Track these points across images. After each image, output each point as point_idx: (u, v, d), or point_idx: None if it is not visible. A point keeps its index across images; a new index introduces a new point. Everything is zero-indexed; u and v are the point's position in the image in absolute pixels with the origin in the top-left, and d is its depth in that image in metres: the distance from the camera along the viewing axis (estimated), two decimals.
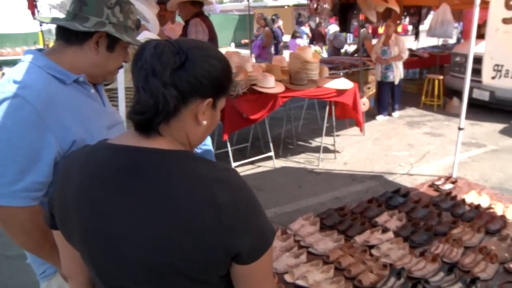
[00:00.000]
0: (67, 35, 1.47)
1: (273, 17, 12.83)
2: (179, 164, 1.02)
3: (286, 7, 23.62)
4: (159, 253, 0.97)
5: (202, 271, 1.01)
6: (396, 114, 8.73)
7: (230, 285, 1.10)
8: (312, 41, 15.09)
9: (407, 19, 13.78)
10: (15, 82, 1.35)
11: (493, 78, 4.38)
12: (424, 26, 13.78)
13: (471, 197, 4.60)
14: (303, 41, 13.38)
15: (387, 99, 8.40)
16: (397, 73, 8.13)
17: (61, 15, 1.54)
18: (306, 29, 15.29)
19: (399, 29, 15.95)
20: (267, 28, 10.00)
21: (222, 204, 0.97)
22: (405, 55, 8.06)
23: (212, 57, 1.06)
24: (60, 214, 1.11)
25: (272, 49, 11.04)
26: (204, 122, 1.09)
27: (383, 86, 8.29)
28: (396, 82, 8.17)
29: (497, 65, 4.31)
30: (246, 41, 13.35)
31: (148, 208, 0.97)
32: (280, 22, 13.20)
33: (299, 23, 12.10)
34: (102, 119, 1.55)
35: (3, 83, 1.36)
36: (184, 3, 4.55)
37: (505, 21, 4.17)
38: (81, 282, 1.25)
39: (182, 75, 1.00)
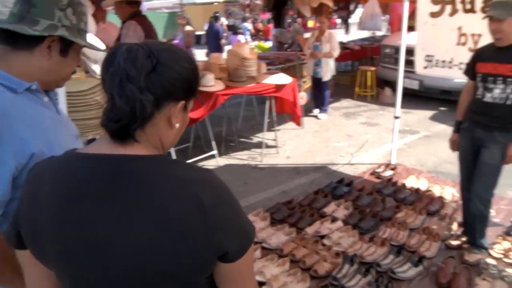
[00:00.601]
0: (13, 39, 1.32)
1: (216, 14, 12.77)
2: (159, 169, 0.99)
3: (216, 3, 23.54)
4: (148, 260, 0.94)
5: (191, 272, 0.99)
6: (323, 116, 8.07)
7: (213, 285, 1.09)
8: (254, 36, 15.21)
9: (335, 13, 14.16)
10: None
11: (425, 67, 4.61)
12: (352, 20, 14.25)
13: (411, 182, 4.83)
14: (244, 38, 13.46)
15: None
16: (326, 70, 7.75)
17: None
18: (249, 25, 15.38)
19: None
20: (188, 28, 9.76)
21: (206, 205, 0.96)
22: (336, 53, 7.73)
23: (182, 59, 1.03)
24: (30, 232, 1.04)
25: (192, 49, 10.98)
26: (177, 125, 1.06)
27: (314, 81, 8.10)
28: (324, 79, 7.81)
29: (428, 55, 4.54)
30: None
31: (133, 215, 0.94)
32: (222, 20, 13.18)
33: (216, 19, 12.00)
34: (59, 129, 1.43)
35: None
36: (120, 2, 4.27)
37: (433, 14, 4.40)
38: None
39: (155, 79, 0.97)
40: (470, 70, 3.41)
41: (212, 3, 24.29)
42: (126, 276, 0.96)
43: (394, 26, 12.42)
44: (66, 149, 1.14)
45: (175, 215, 0.94)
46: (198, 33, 22.06)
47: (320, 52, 7.67)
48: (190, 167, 1.02)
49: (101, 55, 3.52)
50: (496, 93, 3.16)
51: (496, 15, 3.03)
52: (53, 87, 1.48)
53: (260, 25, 15.44)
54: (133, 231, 0.93)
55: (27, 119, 1.30)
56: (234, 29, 13.28)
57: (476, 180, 3.34)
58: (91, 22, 3.55)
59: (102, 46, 3.51)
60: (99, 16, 4.95)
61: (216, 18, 12.22)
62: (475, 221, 3.42)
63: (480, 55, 3.33)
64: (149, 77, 0.95)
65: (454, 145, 3.64)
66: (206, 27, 13.12)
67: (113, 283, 0.97)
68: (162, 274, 0.95)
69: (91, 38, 3.40)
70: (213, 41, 11.79)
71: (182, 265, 0.96)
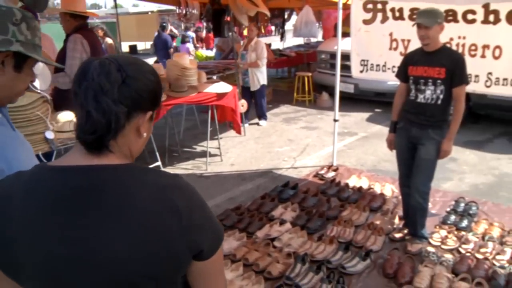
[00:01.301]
0: None
1: (163, 24, 12.81)
2: (133, 177, 1.02)
3: (150, 13, 23.24)
4: (129, 264, 0.96)
5: (170, 272, 1.03)
6: (263, 123, 8.04)
7: (186, 284, 1.13)
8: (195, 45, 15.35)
9: (271, 21, 14.44)
10: None
11: (361, 71, 4.86)
12: (286, 27, 14.58)
13: (353, 181, 5.03)
14: (191, 45, 13.73)
15: (250, 104, 7.88)
16: (253, 80, 7.52)
17: None
18: (192, 34, 15.51)
19: (262, 30, 16.69)
20: (108, 40, 9.49)
21: (181, 208, 1.00)
22: (262, 62, 7.44)
23: (147, 72, 1.07)
24: (2, 250, 1.01)
25: None
26: (145, 135, 1.10)
27: (244, 91, 7.73)
28: (252, 88, 7.63)
29: (363, 60, 4.79)
30: None
31: (111, 223, 0.96)
32: (170, 28, 13.19)
33: (163, 28, 12.10)
34: (16, 146, 1.41)
35: None
36: (65, 14, 4.11)
37: (365, 22, 4.65)
38: None
39: (125, 90, 1.01)
40: (402, 73, 3.64)
41: (146, 12, 24.02)
42: (108, 282, 0.98)
43: (327, 33, 12.87)
44: (25, 166, 1.13)
45: (152, 219, 0.97)
46: (130, 43, 21.76)
47: (246, 62, 7.53)
48: (161, 174, 1.07)
49: (41, 70, 3.42)
50: (427, 94, 3.40)
51: (423, 23, 3.26)
52: (5, 102, 1.45)
53: (202, 34, 15.62)
54: (113, 238, 0.96)
55: None
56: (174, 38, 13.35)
57: (414, 176, 3.55)
58: None
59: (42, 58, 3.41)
60: None
61: (163, 28, 12.25)
62: (416, 214, 3.63)
63: (411, 59, 3.55)
64: (120, 89, 0.99)
65: (391, 145, 3.85)
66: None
67: None
68: (143, 276, 0.98)
69: None
70: (162, 50, 11.75)
71: (162, 266, 1.00)
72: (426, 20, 3.25)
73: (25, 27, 1.34)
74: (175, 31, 16.12)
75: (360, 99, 8.85)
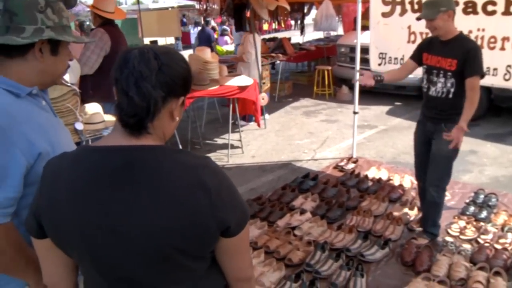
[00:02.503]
0: (5, 50, 1.40)
1: (207, 19, 13.76)
2: (167, 157, 1.12)
3: (170, 9, 23.44)
4: (162, 237, 1.07)
5: (199, 246, 1.14)
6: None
7: (214, 261, 1.24)
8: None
9: (290, 16, 14.44)
10: None
11: (379, 64, 4.90)
12: (306, 21, 14.60)
13: (372, 173, 5.09)
14: (228, 38, 14.50)
15: None
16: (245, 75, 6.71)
17: None
18: (228, 28, 16.05)
19: (282, 24, 16.73)
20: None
21: (210, 186, 1.10)
22: (246, 56, 7.12)
23: (179, 60, 1.18)
24: (52, 222, 1.14)
25: None
26: (177, 118, 1.21)
27: None
28: None
29: (382, 53, 4.83)
30: None
31: (146, 198, 1.07)
32: (212, 23, 14.05)
33: (207, 23, 13.05)
34: (58, 130, 1.54)
35: None
36: (94, 8, 4.36)
37: (384, 14, 4.69)
38: None
39: (161, 77, 1.11)
40: (416, 53, 3.55)
41: (166, 8, 24.21)
42: (142, 252, 1.09)
43: (347, 26, 12.84)
44: (66, 149, 1.26)
45: (184, 196, 1.08)
46: (151, 39, 22.06)
47: (235, 56, 7.34)
48: (193, 155, 1.17)
49: (72, 64, 3.57)
50: (438, 86, 3.34)
51: (425, 16, 3.22)
52: (50, 85, 1.57)
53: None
54: (147, 213, 1.06)
55: (31, 122, 1.39)
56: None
57: (430, 170, 3.51)
58: None
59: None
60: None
61: (207, 23, 13.40)
62: (429, 209, 3.63)
63: (427, 46, 3.47)
64: (157, 76, 1.09)
65: (363, 77, 3.64)
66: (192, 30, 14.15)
67: (130, 260, 1.10)
68: (174, 248, 1.09)
69: None
70: (205, 43, 12.27)
71: (191, 240, 1.10)
72: (427, 12, 3.20)
73: (50, 11, 1.43)
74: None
75: (380, 92, 8.85)
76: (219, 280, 1.28)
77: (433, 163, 3.49)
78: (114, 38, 4.31)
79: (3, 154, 1.30)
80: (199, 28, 14.63)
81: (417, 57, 3.55)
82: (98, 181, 1.09)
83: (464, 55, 3.17)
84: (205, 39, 12.79)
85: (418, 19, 3.32)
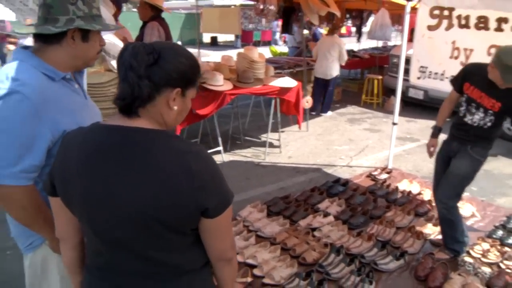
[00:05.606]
0: (44, 37, 1.65)
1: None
2: (159, 139, 1.28)
3: (232, 6, 23.83)
4: (146, 208, 1.22)
5: (179, 222, 1.28)
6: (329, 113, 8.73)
7: (198, 239, 1.38)
8: None
9: (350, 22, 14.37)
10: (13, 79, 1.54)
11: (418, 78, 4.86)
12: (366, 28, 14.48)
13: (404, 185, 5.06)
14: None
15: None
16: None
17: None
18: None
19: (343, 30, 16.62)
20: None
21: (194, 170, 1.24)
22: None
23: (181, 55, 1.32)
24: (61, 183, 1.34)
25: None
26: (175, 108, 1.34)
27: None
28: None
29: (422, 66, 4.79)
30: None
31: (135, 174, 1.23)
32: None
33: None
34: (84, 111, 1.77)
35: (1, 80, 1.55)
36: (144, 3, 4.69)
37: (430, 28, 4.65)
38: (72, 244, 1.50)
39: (155, 69, 1.26)
40: (458, 83, 3.51)
41: (229, 6, 24.63)
42: (129, 219, 1.24)
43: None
44: None
45: (170, 176, 1.22)
46: (212, 35, 22.51)
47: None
48: (184, 141, 1.31)
49: (118, 51, 3.84)
50: (476, 118, 3.32)
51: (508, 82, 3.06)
52: (82, 68, 1.82)
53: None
54: (136, 185, 1.22)
55: (60, 102, 1.64)
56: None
57: (440, 187, 3.51)
58: (111, 22, 3.87)
59: (121, 44, 3.85)
60: (116, 16, 5.31)
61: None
62: (443, 225, 3.62)
63: (471, 77, 3.38)
64: (151, 68, 1.24)
65: (429, 149, 3.79)
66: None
67: (119, 224, 1.26)
68: (157, 220, 1.24)
69: (111, 37, 3.73)
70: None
71: (172, 214, 1.24)
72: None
73: (81, 3, 1.67)
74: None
75: (429, 106, 8.69)
76: (202, 256, 1.41)
77: (445, 180, 3.48)
78: (166, 30, 4.62)
79: (33, 128, 1.54)
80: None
81: (459, 86, 3.51)
82: (98, 153, 1.26)
83: (510, 101, 3.18)
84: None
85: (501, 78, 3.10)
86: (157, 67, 1.25)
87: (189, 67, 1.33)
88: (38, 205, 1.64)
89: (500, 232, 4.03)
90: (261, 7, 9.28)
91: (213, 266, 1.45)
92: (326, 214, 4.19)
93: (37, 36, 1.67)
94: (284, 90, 6.08)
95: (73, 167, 1.29)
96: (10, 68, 1.59)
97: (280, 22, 18.65)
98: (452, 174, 3.43)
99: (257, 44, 22.85)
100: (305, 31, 10.25)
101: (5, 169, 1.53)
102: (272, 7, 9.25)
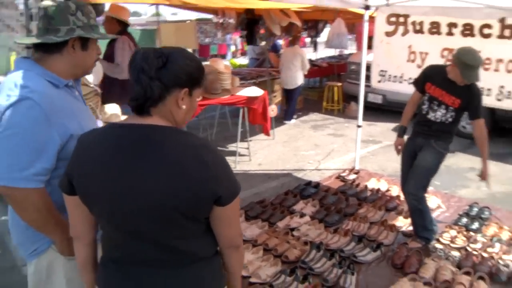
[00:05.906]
0: (45, 47, 1.74)
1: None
2: (169, 135, 1.40)
3: (188, 21, 23.90)
4: (166, 199, 1.34)
5: (196, 211, 1.40)
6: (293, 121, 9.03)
7: (209, 227, 1.50)
8: None
9: (306, 33, 14.72)
10: (23, 86, 1.61)
11: (379, 82, 5.15)
12: (320, 38, 14.91)
13: (372, 184, 5.31)
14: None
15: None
16: None
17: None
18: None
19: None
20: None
21: (208, 161, 1.37)
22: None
23: (187, 58, 1.44)
24: (80, 181, 1.43)
25: None
26: (184, 106, 1.46)
27: None
28: None
29: (382, 70, 5.08)
30: None
31: (154, 168, 1.34)
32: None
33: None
34: (87, 116, 1.88)
35: (10, 87, 1.62)
36: (111, 19, 4.75)
37: (387, 34, 4.95)
38: (87, 241, 1.58)
39: (164, 72, 1.39)
40: (419, 84, 3.78)
41: (184, 21, 24.72)
42: (149, 210, 1.36)
43: (360, 45, 13.06)
44: None
45: (186, 167, 1.34)
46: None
47: None
48: (194, 136, 1.44)
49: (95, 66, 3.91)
50: (438, 114, 3.63)
51: (475, 80, 3.39)
52: (81, 75, 1.92)
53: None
54: (154, 177, 1.33)
55: (65, 108, 1.72)
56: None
57: (408, 179, 3.78)
58: None
59: None
60: None
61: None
62: (414, 215, 3.87)
63: (431, 77, 3.68)
64: (161, 71, 1.37)
65: (397, 148, 4.04)
66: None
67: (139, 216, 1.37)
68: (176, 209, 1.36)
69: None
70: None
71: (189, 204, 1.37)
72: (475, 76, 3.36)
73: (80, 14, 1.77)
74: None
75: (388, 109, 9.07)
76: (213, 244, 1.54)
77: (413, 173, 3.74)
78: (135, 45, 4.73)
79: (43, 133, 1.62)
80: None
81: (421, 86, 3.77)
82: (115, 150, 1.38)
83: (468, 98, 3.49)
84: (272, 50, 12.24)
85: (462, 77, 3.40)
86: (166, 69, 1.37)
87: (195, 69, 1.46)
88: (50, 207, 1.71)
89: (464, 220, 4.32)
90: (221, 21, 9.51)
91: (222, 253, 1.58)
92: (302, 215, 4.36)
93: (38, 46, 1.76)
94: (251, 100, 6.25)
95: (93, 164, 1.39)
96: (17, 76, 1.66)
97: (234, 36, 18.90)
98: (419, 167, 3.69)
99: (213, 57, 23.03)
100: (263, 43, 10.48)
101: (18, 173, 1.60)
102: (231, 20, 9.49)
